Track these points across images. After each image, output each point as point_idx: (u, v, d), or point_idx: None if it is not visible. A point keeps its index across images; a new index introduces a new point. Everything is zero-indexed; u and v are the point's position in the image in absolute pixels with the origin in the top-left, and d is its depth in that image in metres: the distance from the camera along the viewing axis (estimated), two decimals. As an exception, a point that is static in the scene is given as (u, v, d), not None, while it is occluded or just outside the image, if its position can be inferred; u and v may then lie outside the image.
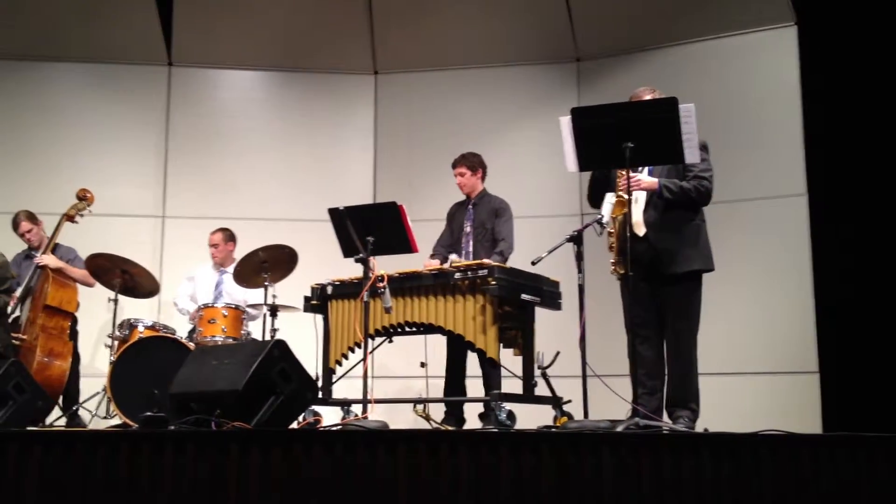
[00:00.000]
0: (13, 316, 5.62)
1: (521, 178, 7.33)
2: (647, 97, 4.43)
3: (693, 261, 4.37)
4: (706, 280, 4.48)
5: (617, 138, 3.96)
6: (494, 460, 3.14)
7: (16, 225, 6.27)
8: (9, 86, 7.55)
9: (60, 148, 7.48)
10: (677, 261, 4.36)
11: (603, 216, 4.26)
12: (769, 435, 3.27)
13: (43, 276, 5.81)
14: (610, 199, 4.30)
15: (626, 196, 4.19)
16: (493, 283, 4.65)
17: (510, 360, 4.94)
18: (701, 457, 3.13)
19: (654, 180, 4.36)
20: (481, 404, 5.28)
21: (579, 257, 4.27)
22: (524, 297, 4.82)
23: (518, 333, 4.94)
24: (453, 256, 5.63)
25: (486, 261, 4.83)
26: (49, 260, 5.97)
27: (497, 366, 4.79)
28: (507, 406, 4.70)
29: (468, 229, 5.77)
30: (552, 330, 5.17)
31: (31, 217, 6.29)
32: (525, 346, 4.90)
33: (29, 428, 4.44)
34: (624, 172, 4.22)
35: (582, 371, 4.16)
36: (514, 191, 7.13)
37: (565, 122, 4.11)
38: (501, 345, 4.83)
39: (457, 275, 4.80)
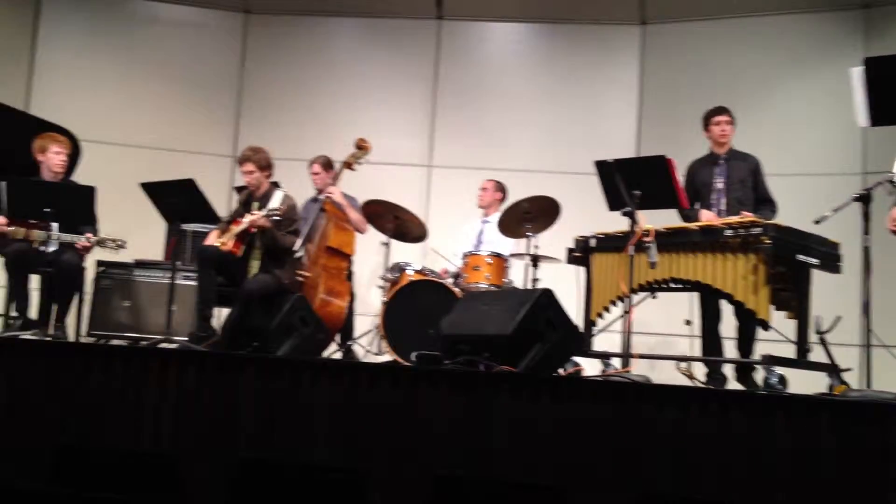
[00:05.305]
0: (298, 255, 6.05)
1: (796, 133, 6.93)
2: None
3: None
4: None
5: (918, 90, 3.65)
6: (768, 424, 3.05)
7: (309, 164, 6.75)
8: (292, 40, 8.16)
9: (338, 99, 7.99)
10: None
11: (896, 174, 3.96)
12: None
13: (325, 219, 6.21)
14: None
15: None
16: (768, 241, 4.46)
17: (780, 323, 4.73)
18: None
19: None
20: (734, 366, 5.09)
21: (866, 218, 3.99)
22: (800, 257, 4.59)
23: (791, 296, 4.71)
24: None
25: (758, 218, 4.63)
26: (336, 192, 6.39)
27: (768, 328, 4.61)
28: (778, 370, 4.52)
29: (720, 185, 5.50)
30: (829, 294, 4.89)
31: (326, 164, 6.71)
32: (800, 310, 4.67)
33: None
34: None
35: (866, 339, 3.91)
36: (789, 147, 6.79)
37: (857, 73, 3.83)
38: (773, 307, 4.64)
39: (727, 232, 4.64)
